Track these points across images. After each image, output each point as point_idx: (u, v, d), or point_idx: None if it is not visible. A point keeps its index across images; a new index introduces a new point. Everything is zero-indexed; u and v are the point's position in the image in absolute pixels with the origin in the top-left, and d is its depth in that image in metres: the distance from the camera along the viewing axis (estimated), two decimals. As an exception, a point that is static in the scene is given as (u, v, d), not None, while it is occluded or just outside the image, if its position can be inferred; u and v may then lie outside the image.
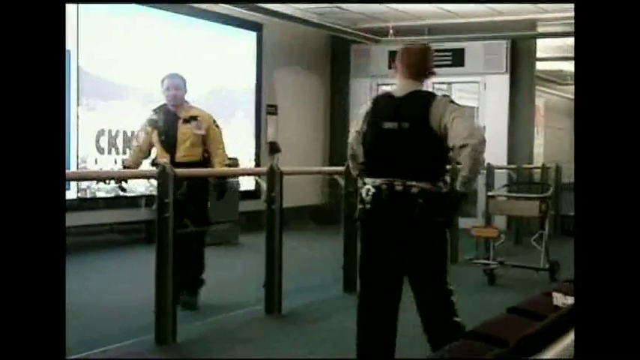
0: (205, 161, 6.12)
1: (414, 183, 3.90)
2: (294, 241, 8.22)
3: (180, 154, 6.03)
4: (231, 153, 8.62)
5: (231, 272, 7.77)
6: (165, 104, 6.19)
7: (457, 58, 12.50)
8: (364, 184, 4.07)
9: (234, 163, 8.05)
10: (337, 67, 13.37)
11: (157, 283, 4.98)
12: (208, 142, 6.13)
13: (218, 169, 6.17)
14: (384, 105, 4.07)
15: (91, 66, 9.35)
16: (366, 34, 12.48)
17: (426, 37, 12.52)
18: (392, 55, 14.74)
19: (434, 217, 3.93)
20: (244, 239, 9.95)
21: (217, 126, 6.22)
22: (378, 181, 3.98)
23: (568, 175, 11.27)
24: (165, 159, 5.85)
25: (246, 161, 11.29)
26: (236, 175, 9.26)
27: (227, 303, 6.21)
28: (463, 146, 3.79)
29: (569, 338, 2.97)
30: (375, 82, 12.87)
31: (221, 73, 11.27)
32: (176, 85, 6.13)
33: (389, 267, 4.05)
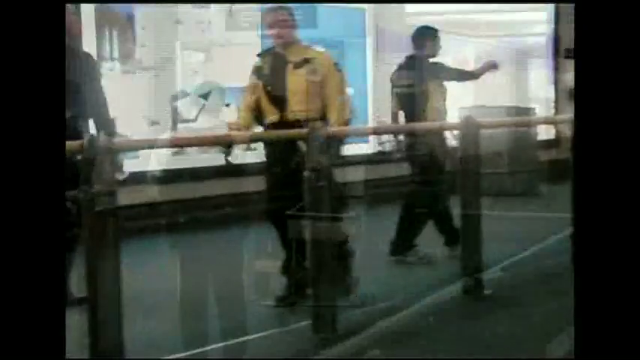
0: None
1: None
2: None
3: (292, 109, 4.78)
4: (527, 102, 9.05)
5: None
6: (273, 47, 5.01)
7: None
8: None
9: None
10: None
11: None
12: (324, 91, 4.83)
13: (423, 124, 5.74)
14: None
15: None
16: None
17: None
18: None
19: None
20: (545, 189, 9.57)
21: (339, 70, 4.96)
22: None
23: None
24: (274, 116, 4.84)
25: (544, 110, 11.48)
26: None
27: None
28: None
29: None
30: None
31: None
32: (281, 20, 4.92)
33: None
